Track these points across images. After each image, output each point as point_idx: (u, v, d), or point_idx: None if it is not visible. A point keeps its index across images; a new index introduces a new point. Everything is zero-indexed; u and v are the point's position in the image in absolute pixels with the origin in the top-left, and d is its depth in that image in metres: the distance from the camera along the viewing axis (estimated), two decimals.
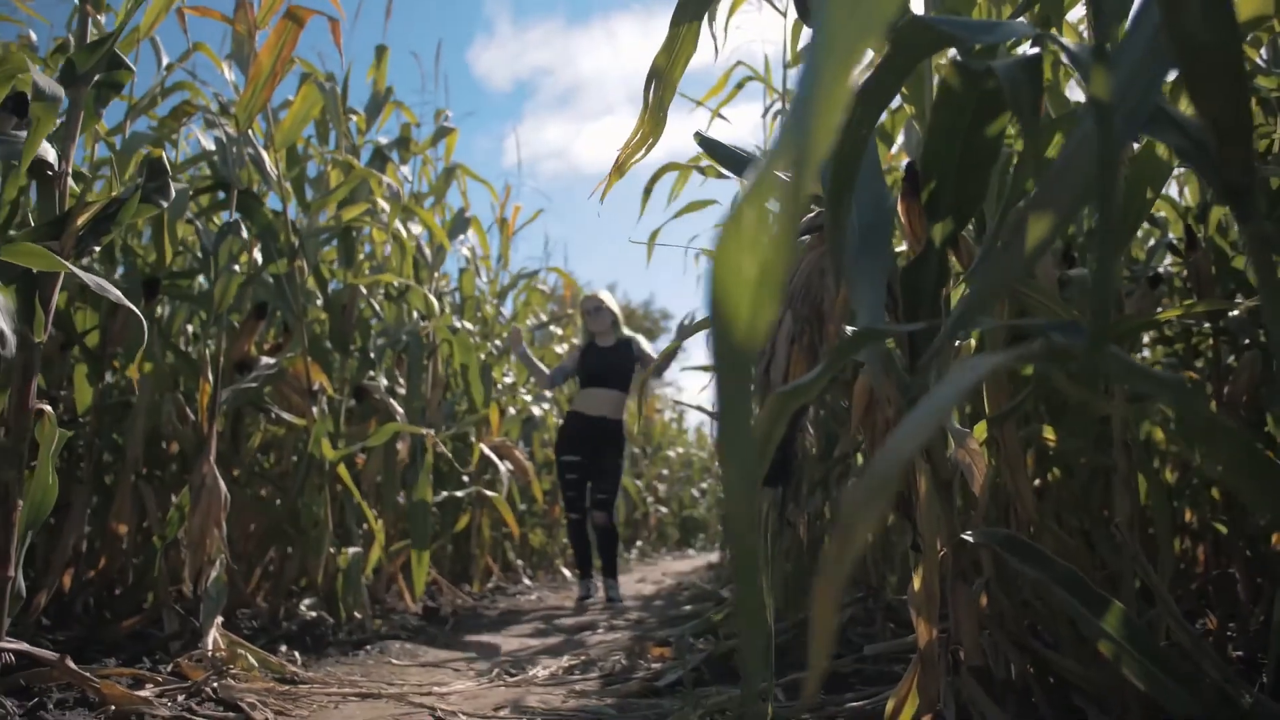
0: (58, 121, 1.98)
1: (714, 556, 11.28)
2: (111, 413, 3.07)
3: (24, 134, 1.86)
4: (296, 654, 2.72)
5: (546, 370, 5.17)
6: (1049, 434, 2.04)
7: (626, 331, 5.25)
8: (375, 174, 3.40)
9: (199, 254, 3.39)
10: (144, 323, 2.14)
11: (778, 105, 3.95)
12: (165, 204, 2.12)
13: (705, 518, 15.81)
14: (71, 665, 1.95)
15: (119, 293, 1.82)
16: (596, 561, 5.31)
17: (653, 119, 1.78)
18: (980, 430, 1.76)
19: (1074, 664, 1.75)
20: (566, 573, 7.01)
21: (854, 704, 1.94)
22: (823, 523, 2.93)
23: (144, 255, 3.21)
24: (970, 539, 1.57)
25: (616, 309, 5.22)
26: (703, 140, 1.62)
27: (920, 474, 1.57)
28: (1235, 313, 2.42)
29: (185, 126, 3.25)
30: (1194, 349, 2.72)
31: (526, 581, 6.18)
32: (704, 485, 16.06)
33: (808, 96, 0.60)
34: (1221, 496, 2.53)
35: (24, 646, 1.91)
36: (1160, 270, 2.67)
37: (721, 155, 1.55)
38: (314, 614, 3.45)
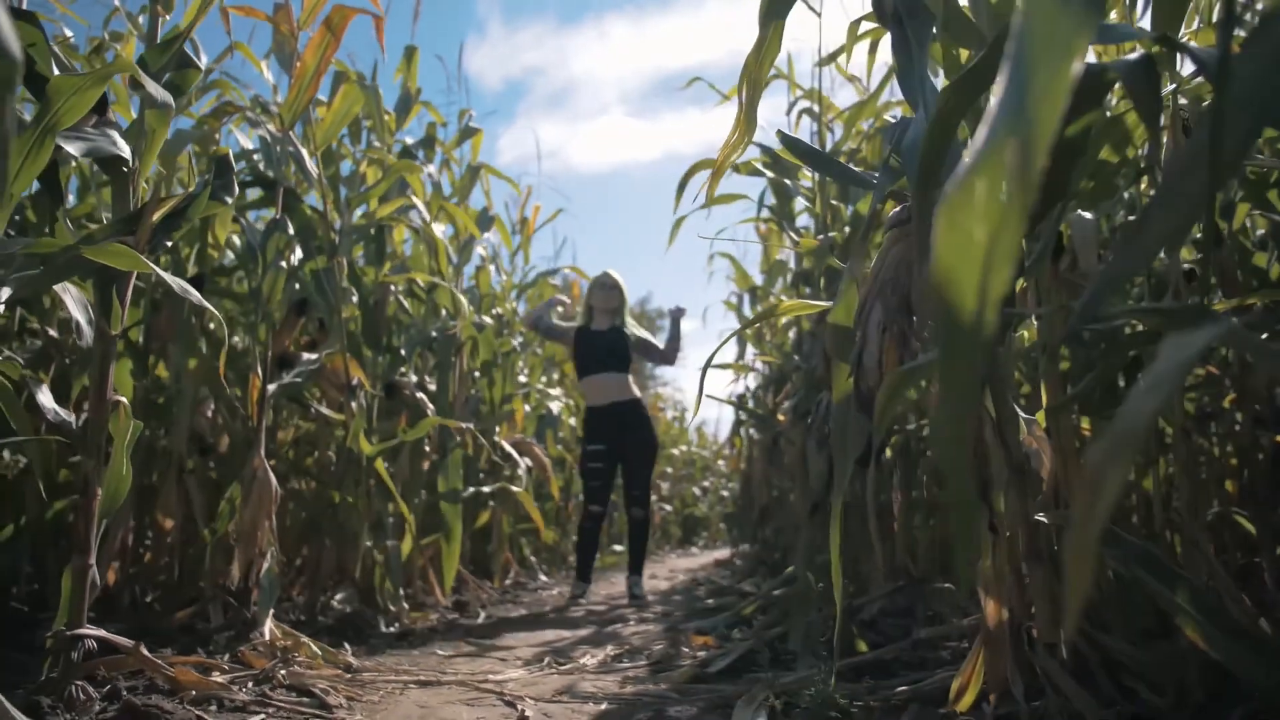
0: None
1: (719, 554, 11.32)
2: (153, 408, 3.10)
3: (109, 131, 1.90)
4: (346, 645, 2.76)
5: (549, 319, 5.07)
6: (1085, 425, 2.09)
7: (631, 324, 5.13)
8: (415, 165, 3.43)
9: (233, 251, 3.43)
10: (200, 312, 2.17)
11: (803, 104, 4.00)
12: (230, 200, 2.16)
13: (707, 516, 15.86)
14: (146, 653, 1.99)
15: (199, 295, 1.86)
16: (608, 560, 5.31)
17: (746, 119, 1.83)
18: (1040, 419, 1.82)
19: (1126, 645, 1.81)
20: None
21: (903, 687, 2.00)
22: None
23: (185, 252, 3.24)
24: (1044, 520, 1.63)
25: (627, 294, 5.12)
26: (784, 138, 1.66)
27: (993, 459, 1.62)
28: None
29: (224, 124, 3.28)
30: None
31: (543, 578, 6.22)
32: (705, 484, 16.11)
33: (1025, 88, 0.65)
34: (1236, 490, 2.59)
35: (103, 634, 1.94)
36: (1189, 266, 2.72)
37: (801, 151, 1.60)
38: (348, 608, 3.49)
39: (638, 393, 5.05)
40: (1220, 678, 1.66)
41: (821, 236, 3.22)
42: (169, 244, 2.06)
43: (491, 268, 5.34)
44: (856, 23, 2.82)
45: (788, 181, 3.45)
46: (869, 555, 2.86)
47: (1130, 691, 1.75)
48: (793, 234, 3.80)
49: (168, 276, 1.77)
